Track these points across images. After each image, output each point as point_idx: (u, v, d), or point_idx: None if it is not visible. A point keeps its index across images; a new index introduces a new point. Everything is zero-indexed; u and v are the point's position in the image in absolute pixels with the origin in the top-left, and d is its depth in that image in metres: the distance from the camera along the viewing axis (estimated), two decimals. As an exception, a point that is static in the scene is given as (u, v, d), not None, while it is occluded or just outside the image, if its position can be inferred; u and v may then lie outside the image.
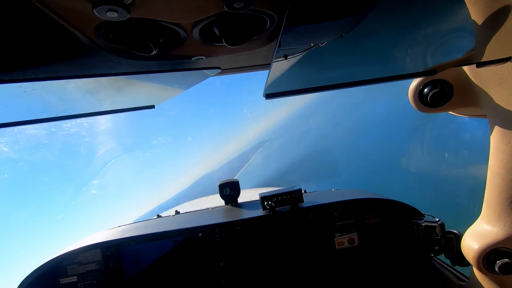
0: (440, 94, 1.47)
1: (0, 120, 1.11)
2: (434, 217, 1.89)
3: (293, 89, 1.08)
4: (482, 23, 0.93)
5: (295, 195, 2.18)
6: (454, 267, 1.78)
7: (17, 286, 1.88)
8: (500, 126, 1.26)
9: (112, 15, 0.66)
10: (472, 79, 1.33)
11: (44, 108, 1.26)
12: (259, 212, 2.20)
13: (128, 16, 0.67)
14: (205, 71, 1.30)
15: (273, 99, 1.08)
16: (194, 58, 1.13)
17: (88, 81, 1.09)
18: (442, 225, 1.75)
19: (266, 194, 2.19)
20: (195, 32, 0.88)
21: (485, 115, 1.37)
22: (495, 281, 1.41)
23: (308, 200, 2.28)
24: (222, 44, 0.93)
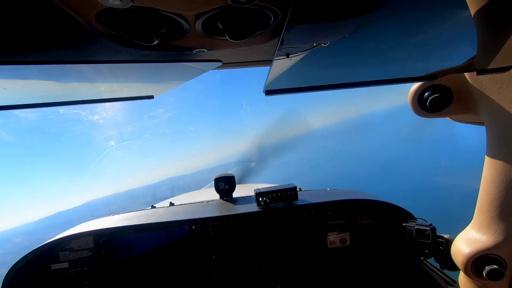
0: (440, 99, 1.47)
1: None
2: (426, 221, 1.91)
3: (293, 87, 1.08)
4: (485, 31, 0.93)
5: (290, 193, 2.19)
6: (443, 271, 1.81)
7: (8, 269, 1.88)
8: (497, 134, 1.27)
9: (115, 2, 0.65)
10: (472, 86, 1.34)
11: (42, 92, 1.25)
12: (253, 208, 2.21)
13: (131, 4, 0.66)
14: (205, 63, 1.29)
15: (273, 96, 1.09)
16: (195, 50, 1.12)
17: (87, 68, 1.08)
18: (433, 229, 1.78)
19: (261, 190, 2.20)
20: (198, 24, 0.87)
21: (483, 123, 1.38)
22: (482, 286, 1.43)
23: (303, 198, 2.29)
24: (225, 38, 0.92)
